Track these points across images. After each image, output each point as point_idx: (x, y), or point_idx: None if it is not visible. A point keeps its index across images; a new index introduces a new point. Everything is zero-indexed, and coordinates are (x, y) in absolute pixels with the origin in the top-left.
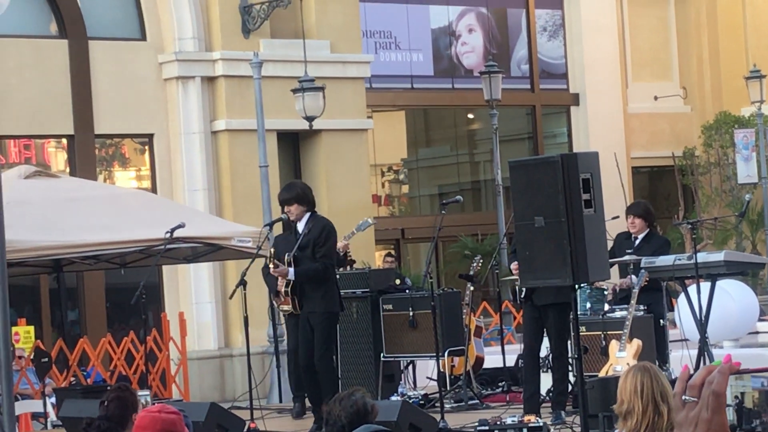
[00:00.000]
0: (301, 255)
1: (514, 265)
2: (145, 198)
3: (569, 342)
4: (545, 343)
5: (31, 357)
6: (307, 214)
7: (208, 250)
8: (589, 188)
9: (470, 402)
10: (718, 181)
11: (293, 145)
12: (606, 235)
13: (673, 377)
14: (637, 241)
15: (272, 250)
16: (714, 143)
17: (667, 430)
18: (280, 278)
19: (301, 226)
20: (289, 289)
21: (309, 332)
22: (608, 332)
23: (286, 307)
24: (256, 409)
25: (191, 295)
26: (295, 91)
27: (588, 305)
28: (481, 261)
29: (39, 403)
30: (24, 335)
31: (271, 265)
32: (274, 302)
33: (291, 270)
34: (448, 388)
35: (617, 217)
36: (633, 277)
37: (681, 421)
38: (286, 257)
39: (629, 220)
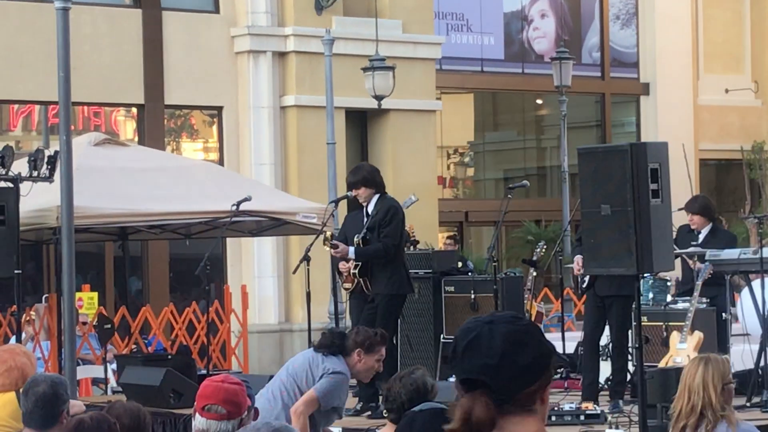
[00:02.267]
0: (370, 237)
1: (577, 258)
2: (212, 170)
3: (630, 332)
4: (605, 331)
5: (94, 323)
6: (376, 196)
7: (272, 225)
8: (657, 178)
9: None
10: None
11: (361, 123)
12: (672, 226)
13: (733, 370)
14: (702, 235)
15: (328, 233)
16: None
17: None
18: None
19: (370, 208)
20: (357, 271)
21: (373, 310)
22: (670, 323)
23: (347, 285)
24: None
25: (254, 269)
26: (365, 69)
27: (651, 295)
28: (545, 247)
29: (100, 369)
30: (87, 301)
31: (326, 248)
32: (337, 279)
33: (351, 249)
34: None
35: (683, 208)
36: (698, 264)
37: None
38: (355, 238)
39: (688, 217)
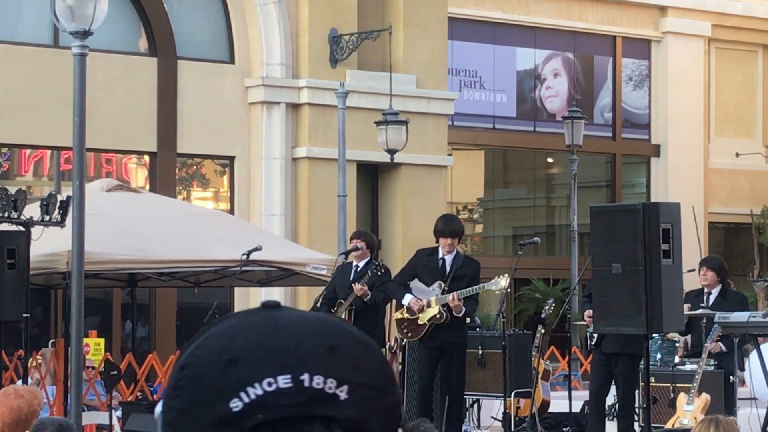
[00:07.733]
0: (453, 287)
1: (587, 312)
2: (223, 219)
3: (637, 392)
4: (612, 391)
5: (100, 369)
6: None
7: (282, 275)
8: (669, 239)
9: None
10: None
11: (372, 176)
12: (682, 288)
13: None
14: (713, 297)
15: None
16: None
17: None
18: (338, 307)
19: (449, 258)
20: (438, 317)
21: (436, 359)
22: (677, 385)
23: (411, 334)
24: None
25: None
26: (378, 123)
27: (659, 356)
28: (554, 305)
29: (105, 415)
30: (94, 347)
31: (358, 285)
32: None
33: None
34: (513, 429)
35: (693, 270)
36: (721, 344)
37: None
38: (442, 285)
39: (702, 272)
